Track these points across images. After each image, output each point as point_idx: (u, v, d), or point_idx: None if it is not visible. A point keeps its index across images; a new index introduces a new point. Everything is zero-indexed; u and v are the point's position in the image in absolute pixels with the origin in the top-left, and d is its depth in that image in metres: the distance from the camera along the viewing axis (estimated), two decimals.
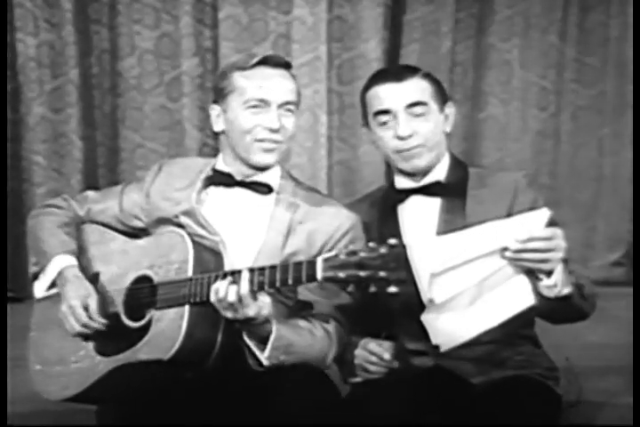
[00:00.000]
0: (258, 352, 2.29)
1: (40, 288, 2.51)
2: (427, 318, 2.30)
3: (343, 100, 4.98)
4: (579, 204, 5.10)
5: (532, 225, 2.22)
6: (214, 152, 4.73)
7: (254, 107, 2.44)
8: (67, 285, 2.42)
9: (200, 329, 2.26)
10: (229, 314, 2.22)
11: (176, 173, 2.57)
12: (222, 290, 2.20)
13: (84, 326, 2.38)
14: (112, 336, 2.39)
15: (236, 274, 2.22)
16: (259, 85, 2.44)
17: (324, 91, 4.87)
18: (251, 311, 2.20)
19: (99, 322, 2.38)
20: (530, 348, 2.54)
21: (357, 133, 4.90)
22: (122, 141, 4.91)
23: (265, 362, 2.28)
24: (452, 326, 2.29)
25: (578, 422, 2.65)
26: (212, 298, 2.21)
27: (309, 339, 2.35)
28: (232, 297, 2.18)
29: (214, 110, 2.53)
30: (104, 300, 2.43)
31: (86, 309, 2.37)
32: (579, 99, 5.18)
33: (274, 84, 2.44)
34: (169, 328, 2.27)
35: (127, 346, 2.32)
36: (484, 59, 5.13)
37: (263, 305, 2.21)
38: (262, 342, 2.28)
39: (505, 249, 2.22)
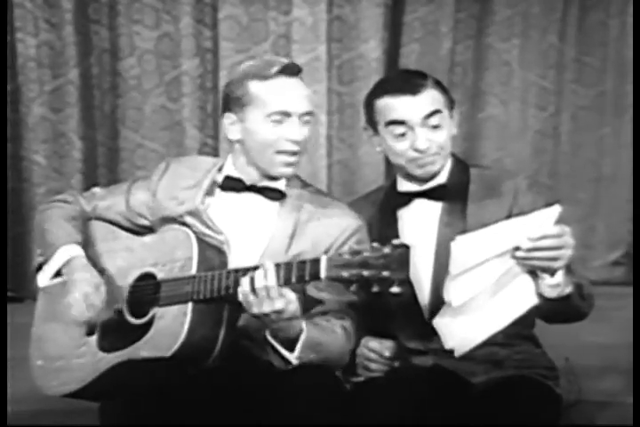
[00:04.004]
0: (285, 352, 2.28)
1: (44, 277, 2.51)
2: (440, 322, 2.28)
3: (343, 100, 4.97)
4: (578, 203, 5.10)
5: (543, 223, 2.21)
6: (214, 152, 4.79)
7: (277, 120, 2.41)
8: (76, 273, 2.41)
9: (202, 327, 2.27)
10: (255, 309, 2.21)
11: (183, 171, 2.56)
12: (247, 283, 2.20)
13: (96, 312, 2.37)
14: (115, 333, 2.39)
15: (239, 271, 2.23)
16: (281, 97, 2.40)
17: (324, 91, 4.86)
18: (278, 304, 2.19)
19: (109, 311, 2.39)
20: (529, 347, 2.53)
21: (357, 134, 4.89)
22: (122, 141, 4.91)
23: (295, 361, 2.28)
24: (465, 328, 2.27)
25: (578, 423, 2.66)
26: (240, 296, 2.21)
27: (332, 338, 2.35)
28: (259, 288, 2.18)
29: (228, 118, 2.48)
30: (110, 295, 2.43)
31: (99, 296, 2.38)
32: (578, 99, 5.18)
33: (294, 95, 2.42)
34: (171, 325, 2.27)
35: (129, 343, 2.32)
36: (483, 59, 5.13)
37: (290, 300, 2.21)
38: (289, 341, 2.28)
39: (517, 248, 2.22)
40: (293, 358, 2.28)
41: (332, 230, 2.46)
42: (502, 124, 5.16)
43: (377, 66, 4.91)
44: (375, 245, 2.09)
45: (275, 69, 2.41)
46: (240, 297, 2.22)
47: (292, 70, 2.44)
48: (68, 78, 4.73)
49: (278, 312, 2.21)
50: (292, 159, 2.44)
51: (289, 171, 2.46)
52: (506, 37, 5.09)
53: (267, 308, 2.20)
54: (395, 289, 2.06)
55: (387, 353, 2.45)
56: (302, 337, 2.27)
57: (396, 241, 2.08)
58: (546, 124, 5.17)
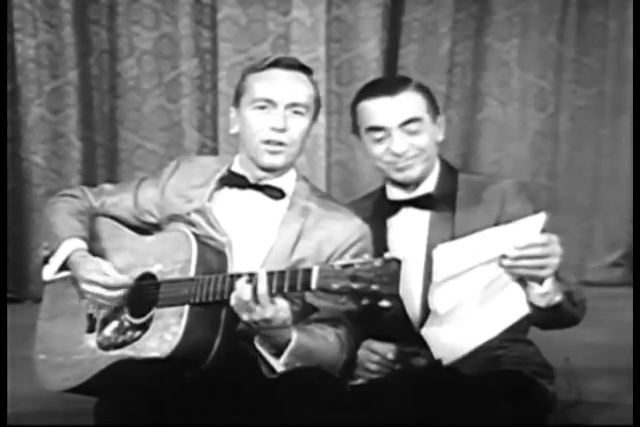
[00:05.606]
0: (272, 360, 2.28)
1: (49, 271, 2.51)
2: (428, 332, 2.27)
3: (342, 100, 4.98)
4: (577, 204, 5.11)
5: (530, 231, 2.21)
6: (213, 153, 4.79)
7: (261, 107, 2.44)
8: (76, 267, 2.41)
9: (198, 329, 2.27)
10: (245, 316, 2.21)
11: (193, 170, 2.57)
12: (239, 289, 2.20)
13: (115, 288, 2.35)
14: (114, 331, 2.40)
15: (235, 276, 2.23)
16: (266, 86, 2.44)
17: (323, 91, 4.85)
18: (268, 312, 2.20)
19: (125, 280, 2.37)
20: (523, 347, 2.53)
21: None
22: (121, 142, 4.91)
23: (279, 369, 2.27)
24: (453, 338, 2.25)
25: (577, 423, 2.66)
26: (232, 301, 2.21)
27: (324, 345, 2.34)
28: (247, 296, 2.18)
29: (232, 113, 2.53)
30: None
31: (106, 275, 2.37)
32: (577, 99, 5.19)
33: (281, 85, 2.44)
34: (168, 326, 2.27)
35: (127, 342, 2.33)
36: (482, 59, 5.14)
37: (281, 308, 2.21)
38: (277, 348, 2.27)
39: (504, 257, 2.21)
40: (278, 365, 2.27)
41: (337, 237, 2.45)
42: (501, 124, 5.17)
43: (376, 66, 4.92)
44: (367, 257, 2.09)
45: (268, 61, 2.47)
46: (232, 302, 2.22)
47: (286, 63, 2.48)
48: (68, 79, 4.73)
49: (267, 321, 2.20)
50: (276, 148, 2.44)
51: (275, 160, 2.45)
52: (505, 38, 5.10)
53: (256, 316, 2.20)
54: (384, 303, 2.06)
55: (390, 355, 2.44)
56: (290, 346, 2.27)
57: (387, 255, 2.07)
58: (545, 125, 5.18)
